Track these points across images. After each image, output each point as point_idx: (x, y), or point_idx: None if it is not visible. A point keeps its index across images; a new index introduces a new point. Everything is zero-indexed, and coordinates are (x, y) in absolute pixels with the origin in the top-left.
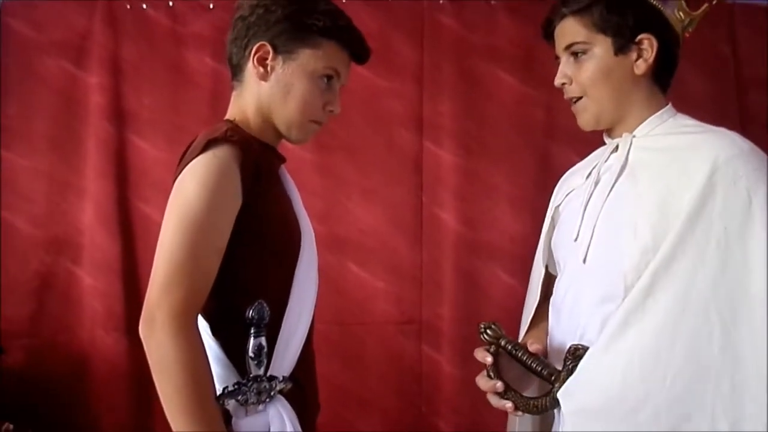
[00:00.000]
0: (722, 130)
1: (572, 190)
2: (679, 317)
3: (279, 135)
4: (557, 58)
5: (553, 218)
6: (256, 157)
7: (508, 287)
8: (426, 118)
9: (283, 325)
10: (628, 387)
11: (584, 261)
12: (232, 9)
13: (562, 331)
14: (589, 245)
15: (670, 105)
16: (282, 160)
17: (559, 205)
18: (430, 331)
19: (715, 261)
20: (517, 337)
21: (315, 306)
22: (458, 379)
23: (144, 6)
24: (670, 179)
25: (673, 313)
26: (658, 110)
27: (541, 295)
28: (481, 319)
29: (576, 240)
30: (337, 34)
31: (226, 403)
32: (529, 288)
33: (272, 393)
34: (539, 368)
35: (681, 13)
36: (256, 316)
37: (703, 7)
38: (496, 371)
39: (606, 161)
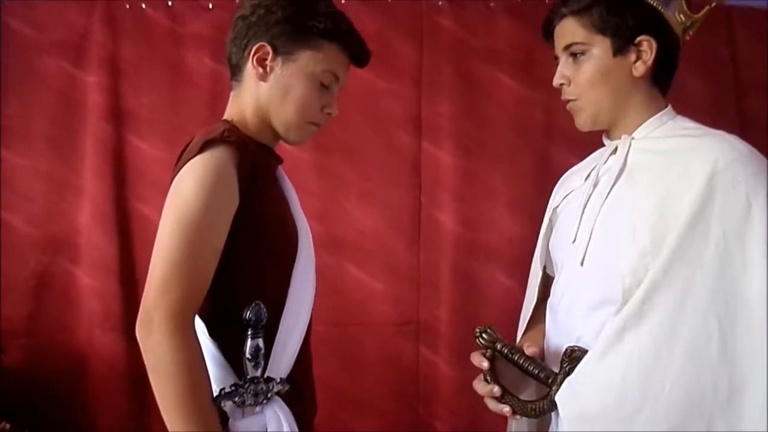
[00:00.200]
0: (721, 133)
1: (571, 191)
2: (677, 322)
3: (277, 136)
4: (556, 58)
5: (551, 220)
6: (253, 158)
7: (506, 289)
8: (425, 119)
9: (280, 326)
10: (626, 392)
11: (582, 263)
12: (231, 9)
13: (559, 333)
14: (586, 247)
15: (669, 107)
16: (279, 160)
17: (557, 206)
18: (428, 332)
19: (713, 265)
20: (515, 339)
21: (312, 307)
22: (456, 380)
23: (143, 6)
24: (669, 182)
25: (672, 318)
26: (658, 112)
27: (538, 297)
28: (479, 321)
29: (574, 242)
30: (337, 36)
31: (223, 405)
32: (527, 289)
33: (269, 395)
34: (536, 371)
35: (681, 16)
36: (253, 318)
37: (705, 10)
38: (493, 375)
39: (605, 163)
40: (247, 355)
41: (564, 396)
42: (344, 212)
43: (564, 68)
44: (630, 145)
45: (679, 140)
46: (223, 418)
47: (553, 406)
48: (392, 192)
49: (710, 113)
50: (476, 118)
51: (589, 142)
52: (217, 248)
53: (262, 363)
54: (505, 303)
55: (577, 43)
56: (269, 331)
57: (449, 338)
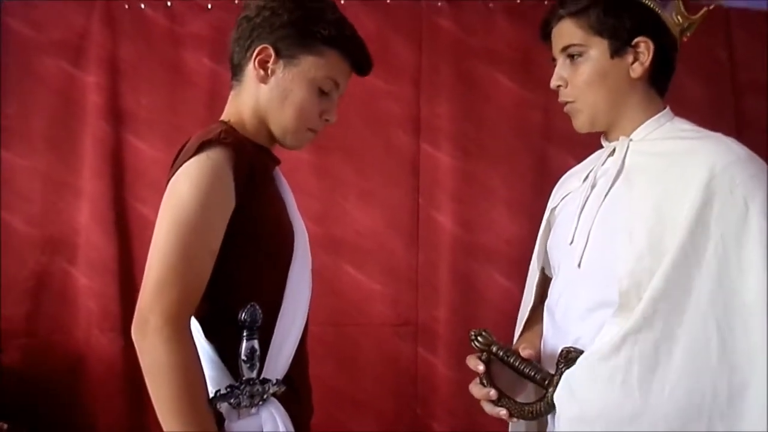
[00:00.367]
0: (719, 135)
1: (569, 193)
2: (676, 325)
3: (274, 137)
4: (554, 60)
5: (549, 221)
6: (250, 159)
7: (504, 290)
8: (423, 120)
9: (276, 327)
10: (626, 396)
11: (579, 265)
12: (230, 9)
13: (557, 335)
14: (584, 249)
15: (667, 109)
16: (276, 161)
17: (555, 207)
18: (426, 333)
19: (712, 269)
20: (512, 340)
21: (309, 308)
22: (454, 381)
23: (142, 6)
24: (666, 185)
25: (671, 321)
26: (655, 114)
27: (536, 298)
28: (477, 322)
29: (571, 244)
30: (341, 44)
31: (218, 406)
32: (525, 290)
33: (265, 396)
34: (532, 373)
35: (679, 17)
36: (248, 319)
37: (702, 11)
38: (489, 378)
39: (603, 165)
40: (243, 357)
41: (563, 397)
42: (343, 213)
43: (561, 70)
44: (628, 147)
45: (677, 142)
46: (219, 419)
47: (550, 408)
48: (391, 192)
49: (708, 114)
50: (475, 119)
51: (587, 143)
52: (213, 249)
53: (258, 364)
54: (503, 304)
55: (574, 45)
56: (265, 333)
57: (447, 339)
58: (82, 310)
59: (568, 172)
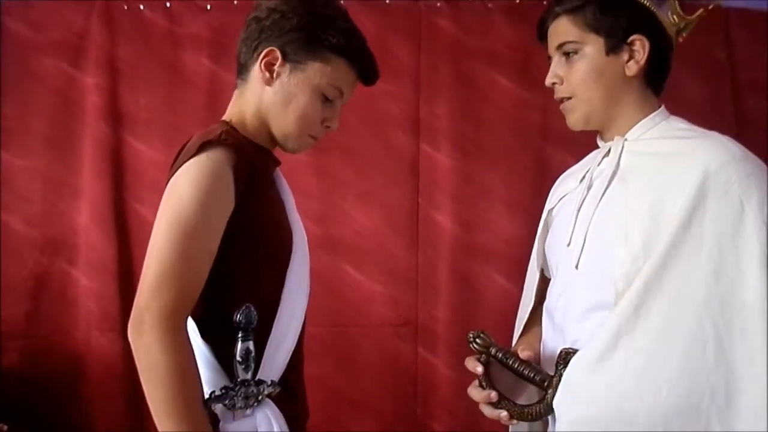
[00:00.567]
0: (715, 134)
1: (566, 194)
2: (672, 325)
3: (275, 139)
4: (549, 58)
5: (546, 222)
6: (250, 160)
7: (503, 290)
8: (423, 120)
9: (273, 329)
10: (623, 398)
11: (576, 267)
12: (229, 10)
13: (556, 336)
14: (581, 251)
15: (663, 108)
16: (277, 162)
17: (553, 208)
18: (426, 333)
19: (707, 269)
20: (511, 341)
21: (306, 310)
22: (454, 381)
23: (141, 7)
24: (661, 185)
25: (667, 322)
26: (651, 113)
27: (535, 299)
28: (477, 322)
29: (569, 245)
30: (348, 53)
31: (213, 407)
32: (524, 291)
33: (260, 397)
34: (531, 375)
35: (675, 17)
36: (243, 320)
37: (698, 12)
38: (488, 381)
39: (598, 165)
40: (238, 358)
41: (562, 399)
42: (342, 213)
43: (557, 67)
44: (623, 147)
45: (673, 142)
46: (214, 420)
47: (550, 409)
48: (390, 193)
49: (707, 114)
50: (474, 120)
51: (586, 143)
52: (212, 250)
53: (253, 366)
54: (502, 304)
55: (570, 42)
56: (262, 334)
57: (447, 339)
58: (81, 311)
59: (565, 173)
